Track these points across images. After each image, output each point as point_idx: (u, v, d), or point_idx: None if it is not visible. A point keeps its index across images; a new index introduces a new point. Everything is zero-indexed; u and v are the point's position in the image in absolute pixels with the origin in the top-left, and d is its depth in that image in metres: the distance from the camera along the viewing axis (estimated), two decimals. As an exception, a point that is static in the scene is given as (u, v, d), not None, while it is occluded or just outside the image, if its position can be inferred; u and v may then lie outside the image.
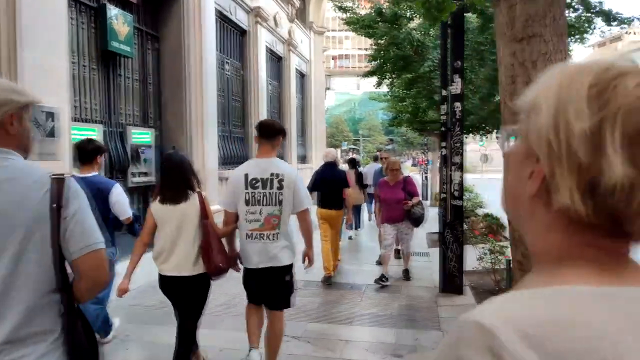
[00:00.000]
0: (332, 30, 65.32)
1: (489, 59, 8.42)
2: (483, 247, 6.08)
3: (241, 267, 3.73)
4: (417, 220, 6.47)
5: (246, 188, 3.51)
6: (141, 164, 7.14)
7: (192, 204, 3.39)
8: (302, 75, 16.78)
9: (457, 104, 5.89)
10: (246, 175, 3.53)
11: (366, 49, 13.83)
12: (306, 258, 3.84)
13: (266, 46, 12.27)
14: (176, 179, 3.41)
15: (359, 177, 9.38)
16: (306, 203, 3.63)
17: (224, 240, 3.57)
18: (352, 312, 5.48)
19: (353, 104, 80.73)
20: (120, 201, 3.92)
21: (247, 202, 3.51)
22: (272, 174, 3.51)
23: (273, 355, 3.65)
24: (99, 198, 3.63)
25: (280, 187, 3.50)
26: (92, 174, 3.90)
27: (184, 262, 3.36)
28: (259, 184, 3.50)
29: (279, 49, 13.82)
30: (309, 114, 17.36)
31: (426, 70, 9.64)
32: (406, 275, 6.81)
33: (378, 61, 10.96)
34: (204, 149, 8.62)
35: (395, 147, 58.05)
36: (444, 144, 6.07)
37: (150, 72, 7.85)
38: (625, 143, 0.52)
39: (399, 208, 6.42)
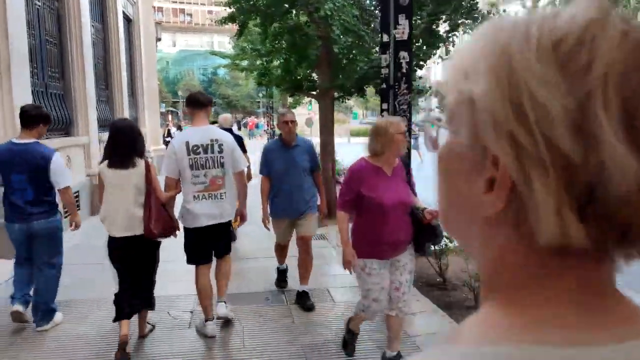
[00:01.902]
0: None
1: None
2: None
3: (179, 233, 3.87)
4: (437, 237, 3.32)
5: (189, 154, 3.76)
6: None
7: (137, 170, 3.56)
8: (128, 20, 13.71)
9: (404, 54, 4.55)
10: (187, 143, 3.78)
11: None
12: (238, 216, 4.12)
13: (88, -27, 9.29)
14: (124, 145, 3.55)
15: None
16: (242, 165, 4.05)
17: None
18: None
19: (166, 63, 74.85)
20: (60, 170, 3.95)
21: (191, 167, 3.78)
22: (211, 140, 3.81)
23: (224, 288, 4.13)
24: (40, 166, 3.81)
25: (221, 151, 3.82)
26: (31, 140, 3.90)
27: (131, 223, 3.55)
28: (200, 149, 3.78)
29: (102, -20, 10.82)
30: (138, 68, 14.42)
31: (305, 21, 8.08)
32: None
33: (241, 4, 8.98)
34: (12, 108, 5.87)
35: (218, 110, 55.36)
36: (384, 105, 4.68)
37: None
38: (628, 123, 0.35)
39: (405, 221, 3.23)
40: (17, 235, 3.89)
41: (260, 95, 55.67)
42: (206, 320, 3.94)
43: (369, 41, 6.90)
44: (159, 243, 3.76)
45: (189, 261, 3.97)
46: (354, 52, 7.18)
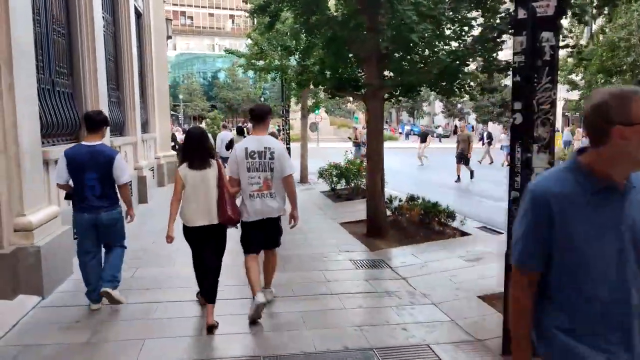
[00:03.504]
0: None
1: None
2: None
3: (238, 226, 4.53)
4: None
5: (246, 159, 4.42)
6: None
7: (213, 170, 4.27)
8: (138, 15, 12.51)
9: (547, 35, 3.37)
10: (246, 149, 4.44)
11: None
12: (291, 218, 4.65)
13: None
14: (201, 149, 4.29)
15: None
16: (289, 170, 4.53)
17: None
18: None
19: (167, 69, 73.56)
20: (122, 167, 4.60)
21: (248, 170, 4.43)
22: (265, 147, 4.45)
23: (271, 275, 4.87)
24: (107, 164, 4.49)
25: (272, 158, 4.44)
26: (98, 142, 4.57)
27: (207, 214, 4.23)
28: (256, 155, 4.43)
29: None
30: (149, 68, 13.22)
31: (354, 9, 6.91)
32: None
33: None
34: (14, 111, 4.68)
35: (218, 114, 54.12)
36: (518, 104, 3.50)
37: None
38: None
39: None
40: (86, 224, 4.50)
41: (262, 99, 54.78)
42: (254, 297, 4.34)
43: (446, 27, 5.72)
44: (226, 232, 4.43)
45: (246, 251, 4.58)
46: (433, 42, 5.94)
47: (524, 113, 3.49)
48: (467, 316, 4.48)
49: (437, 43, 6.04)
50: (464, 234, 7.46)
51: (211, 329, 4.15)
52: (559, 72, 19.94)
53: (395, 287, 5.31)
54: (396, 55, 6.63)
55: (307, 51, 8.54)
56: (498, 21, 5.47)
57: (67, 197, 4.64)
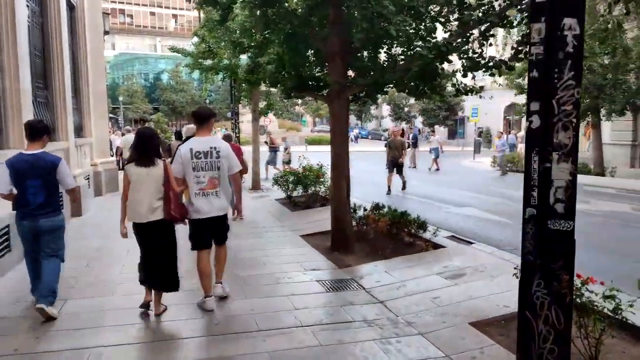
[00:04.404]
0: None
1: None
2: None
3: (186, 222, 4.72)
4: None
5: (192, 159, 4.58)
6: None
7: (159, 168, 4.45)
8: (71, 7, 11.29)
9: (570, 22, 2.82)
10: (191, 150, 4.60)
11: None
12: (235, 210, 5.13)
13: None
14: (149, 148, 4.48)
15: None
16: (236, 168, 4.82)
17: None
18: None
19: (105, 68, 70.09)
20: (66, 172, 4.64)
21: (194, 169, 4.59)
22: (211, 147, 4.65)
23: (221, 269, 5.01)
24: (50, 171, 4.51)
25: (218, 157, 4.65)
26: (39, 150, 4.57)
27: (152, 211, 4.40)
28: (202, 155, 4.61)
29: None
30: (84, 66, 11.99)
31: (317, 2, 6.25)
32: None
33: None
34: None
35: (161, 116, 52.08)
36: (535, 105, 2.92)
37: None
38: None
39: None
40: (27, 231, 4.53)
41: (207, 101, 53.12)
42: (206, 297, 4.71)
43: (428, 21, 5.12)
44: (174, 227, 4.60)
45: (193, 247, 4.78)
46: (411, 36, 5.29)
47: (542, 115, 2.92)
48: (463, 349, 3.88)
49: (416, 38, 5.44)
50: (436, 246, 6.93)
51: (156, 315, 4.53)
52: (508, 76, 20.06)
53: (373, 314, 4.65)
54: (366, 52, 6.00)
55: (262, 48, 7.77)
56: (480, 14, 4.94)
57: (14, 208, 4.59)
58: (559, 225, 2.96)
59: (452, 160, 25.78)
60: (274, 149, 17.84)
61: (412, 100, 49.41)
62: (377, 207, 8.09)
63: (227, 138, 9.62)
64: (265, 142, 18.34)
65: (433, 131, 24.67)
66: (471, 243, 7.34)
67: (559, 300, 3.01)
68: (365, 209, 8.11)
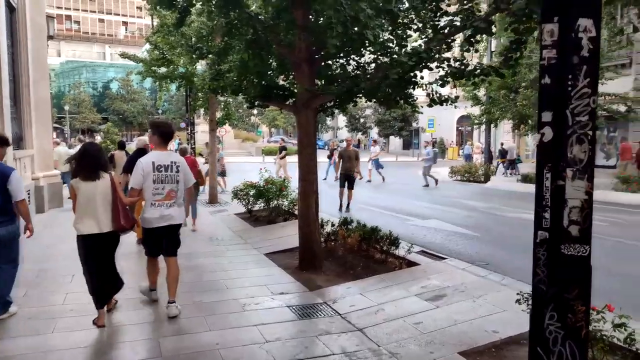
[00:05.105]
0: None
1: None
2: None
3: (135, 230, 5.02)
4: None
5: (154, 172, 4.80)
6: None
7: (105, 181, 4.59)
8: (11, 9, 10.40)
9: (586, 22, 2.52)
10: (153, 163, 4.82)
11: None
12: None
13: None
14: (94, 163, 4.58)
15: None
16: (191, 181, 5.16)
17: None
18: None
19: (49, 75, 66.99)
20: (18, 183, 4.67)
21: (154, 181, 4.80)
22: (172, 162, 4.92)
23: (174, 287, 4.96)
24: (2, 181, 4.58)
25: (178, 171, 4.93)
26: None
27: (99, 223, 4.51)
28: (163, 168, 4.85)
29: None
30: (25, 72, 11.06)
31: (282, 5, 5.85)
32: None
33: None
34: None
35: (111, 126, 50.15)
36: (546, 115, 2.59)
37: None
38: None
39: None
40: None
41: (160, 111, 51.62)
42: (151, 289, 5.28)
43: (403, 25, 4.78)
44: (119, 237, 4.78)
45: (147, 253, 5.16)
46: (386, 43, 4.93)
47: (555, 127, 2.61)
48: (456, 384, 3.51)
49: (393, 44, 5.10)
50: (410, 263, 6.59)
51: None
52: (464, 87, 20.31)
53: (353, 345, 4.22)
54: (336, 59, 5.62)
55: (223, 54, 7.27)
56: (459, 21, 4.66)
57: None
58: (573, 250, 2.64)
59: (410, 170, 25.83)
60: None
61: (368, 112, 49.86)
62: (345, 222, 7.71)
63: (182, 152, 9.56)
64: (200, 155, 17.70)
65: (375, 141, 24.21)
66: (443, 258, 7.07)
67: (574, 334, 2.68)
68: (333, 224, 7.71)
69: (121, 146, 10.88)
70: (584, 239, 2.64)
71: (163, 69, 13.00)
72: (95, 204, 4.49)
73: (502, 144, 27.29)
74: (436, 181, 19.32)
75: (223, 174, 16.12)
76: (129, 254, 6.95)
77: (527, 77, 18.12)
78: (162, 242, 4.97)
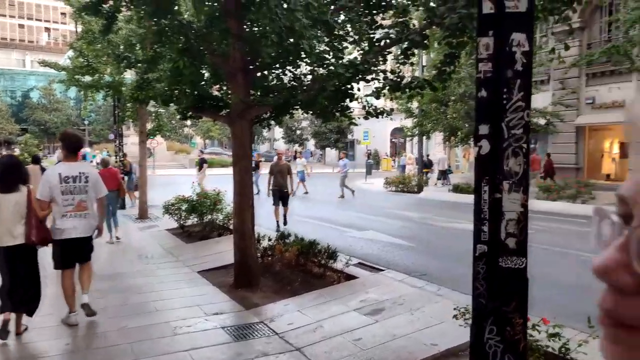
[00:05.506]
0: None
1: None
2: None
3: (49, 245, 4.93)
4: None
5: (60, 183, 4.86)
6: None
7: (22, 194, 4.62)
8: None
9: (519, 37, 2.54)
10: (60, 174, 4.89)
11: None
12: (97, 230, 5.24)
13: None
14: (11, 176, 4.64)
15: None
16: (103, 192, 5.26)
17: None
18: None
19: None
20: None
21: (62, 193, 4.87)
22: (80, 173, 5.00)
23: (88, 283, 5.15)
24: None
25: (87, 182, 5.00)
26: None
27: (13, 235, 4.52)
28: (70, 179, 4.92)
29: None
30: None
31: (215, 15, 5.66)
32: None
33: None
34: None
35: (30, 138, 47.13)
36: (483, 128, 2.56)
37: None
38: None
39: None
40: None
41: (86, 122, 49.17)
42: (70, 312, 5.02)
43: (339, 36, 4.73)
44: (36, 251, 4.81)
45: (56, 267, 5.07)
46: (322, 54, 4.84)
47: (491, 140, 2.60)
48: (398, 403, 3.43)
49: (329, 55, 5.04)
50: (348, 277, 6.52)
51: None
52: (397, 100, 20.77)
53: (292, 366, 4.05)
54: (272, 70, 5.48)
55: (153, 63, 6.93)
56: (393, 34, 4.68)
57: None
58: (511, 262, 2.64)
59: (346, 182, 26.04)
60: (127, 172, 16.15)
61: (304, 123, 50.07)
62: (282, 236, 7.54)
63: (104, 163, 9.44)
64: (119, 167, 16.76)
65: (300, 153, 24.15)
66: (381, 270, 7.07)
67: (512, 348, 2.67)
68: (270, 239, 7.52)
69: (36, 160, 10.71)
70: (521, 251, 2.65)
71: (88, 78, 12.32)
72: (9, 215, 4.53)
73: (427, 156, 28.07)
74: (352, 192, 19.51)
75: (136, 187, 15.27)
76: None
77: (456, 91, 18.83)
78: (73, 254, 5.02)
